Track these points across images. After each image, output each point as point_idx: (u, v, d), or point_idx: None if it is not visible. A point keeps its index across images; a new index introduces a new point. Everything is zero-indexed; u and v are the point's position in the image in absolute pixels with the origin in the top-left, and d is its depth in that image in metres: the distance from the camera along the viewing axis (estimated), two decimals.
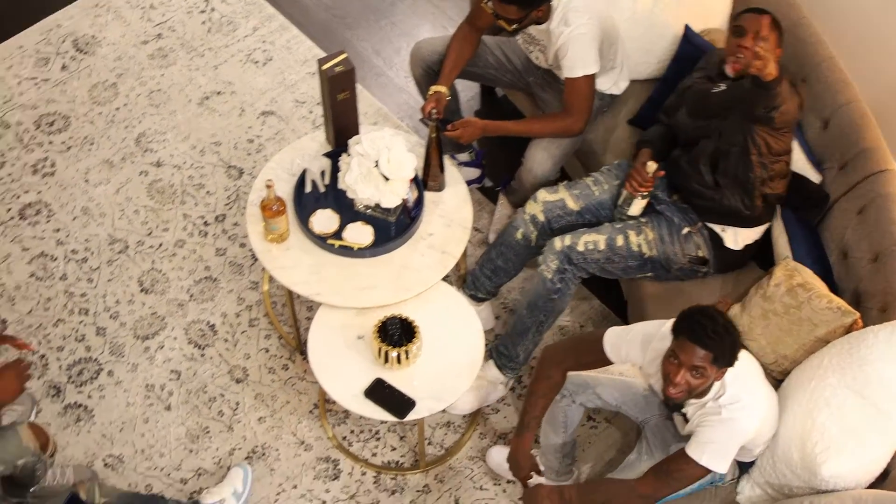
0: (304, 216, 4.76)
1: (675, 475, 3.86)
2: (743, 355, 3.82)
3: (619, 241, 4.64)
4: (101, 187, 5.61)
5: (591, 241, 4.64)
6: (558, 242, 4.66)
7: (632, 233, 4.66)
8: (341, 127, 4.94)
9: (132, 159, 5.70)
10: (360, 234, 4.74)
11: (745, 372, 3.88)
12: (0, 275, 5.35)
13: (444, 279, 4.72)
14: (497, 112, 5.31)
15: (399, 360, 4.45)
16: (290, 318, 5.09)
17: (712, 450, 3.79)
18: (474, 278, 5.03)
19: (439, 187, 4.89)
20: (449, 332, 4.60)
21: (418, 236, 4.77)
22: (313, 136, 5.08)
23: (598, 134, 5.18)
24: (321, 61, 4.75)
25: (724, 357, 3.68)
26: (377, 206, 4.75)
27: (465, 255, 5.00)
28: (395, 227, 4.78)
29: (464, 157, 5.58)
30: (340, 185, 4.79)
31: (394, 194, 4.70)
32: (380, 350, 4.43)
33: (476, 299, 5.06)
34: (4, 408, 4.19)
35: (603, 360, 4.06)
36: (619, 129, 5.19)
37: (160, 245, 5.44)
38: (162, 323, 5.22)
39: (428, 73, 5.23)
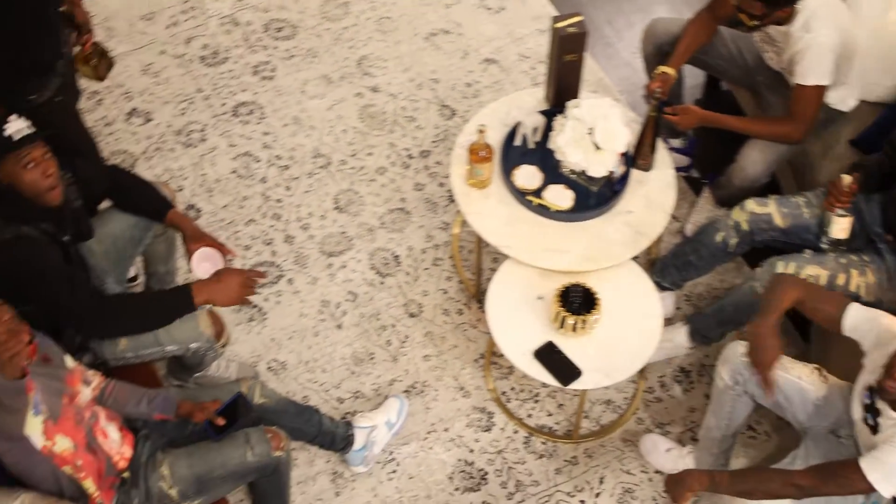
0: (508, 168, 4.76)
1: (840, 480, 3.76)
2: None
3: (841, 279, 4.50)
4: (315, 101, 5.69)
5: (814, 274, 4.50)
6: (780, 267, 4.55)
7: (855, 272, 4.50)
8: (562, 88, 4.91)
9: (350, 79, 5.77)
10: (560, 196, 4.72)
11: None
12: (204, 165, 5.47)
13: (633, 259, 4.68)
14: (718, 105, 5.22)
15: (574, 328, 4.43)
16: (474, 265, 5.10)
17: (887, 471, 3.69)
18: (663, 266, 4.98)
19: (647, 167, 4.83)
20: (629, 311, 4.56)
21: (617, 211, 4.73)
22: (531, 92, 5.07)
23: (816, 147, 5.06)
24: (555, 19, 4.73)
25: None
26: (583, 172, 4.72)
27: (659, 239, 4.94)
28: (595, 196, 4.74)
29: (676, 142, 5.52)
30: (550, 145, 4.77)
31: (602, 164, 4.66)
32: (557, 314, 4.41)
33: (660, 287, 5.00)
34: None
35: (832, 319, 3.96)
36: (838, 146, 5.06)
37: (361, 168, 5.49)
38: (349, 243, 5.28)
39: (658, 52, 5.17)
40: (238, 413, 4.02)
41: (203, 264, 4.32)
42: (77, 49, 4.62)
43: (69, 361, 4.01)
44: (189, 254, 4.34)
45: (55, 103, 4.47)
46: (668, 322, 5.05)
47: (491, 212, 4.70)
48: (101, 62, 4.70)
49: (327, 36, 5.91)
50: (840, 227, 4.55)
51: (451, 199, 5.38)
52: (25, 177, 3.93)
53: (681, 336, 4.89)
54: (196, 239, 4.37)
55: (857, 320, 3.91)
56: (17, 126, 3.96)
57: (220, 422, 3.97)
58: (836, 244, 4.58)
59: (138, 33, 5.88)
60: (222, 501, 4.18)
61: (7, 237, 3.95)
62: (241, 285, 4.16)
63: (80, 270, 4.23)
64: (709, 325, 4.82)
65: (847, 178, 4.46)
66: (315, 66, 5.80)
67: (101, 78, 4.73)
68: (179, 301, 4.13)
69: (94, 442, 3.90)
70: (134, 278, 5.06)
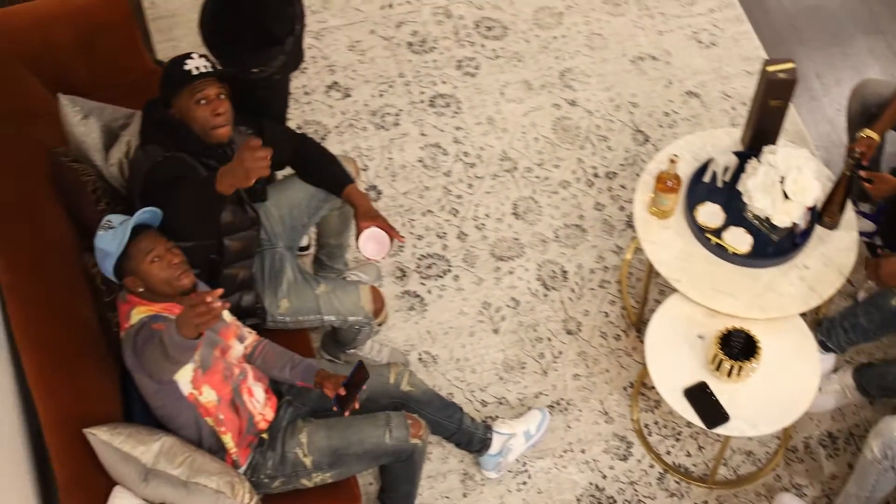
0: (692, 202, 4.72)
1: None
2: None
3: None
4: (512, 104, 5.70)
5: None
6: None
7: None
8: (761, 132, 4.84)
9: (550, 89, 5.77)
10: (739, 239, 4.66)
11: None
12: (393, 149, 5.53)
13: (801, 315, 4.60)
14: None
15: (730, 373, 4.37)
16: (640, 294, 5.06)
17: None
18: (830, 326, 4.88)
19: (833, 225, 4.74)
20: (787, 365, 4.48)
21: (793, 264, 4.65)
22: (728, 132, 5.01)
23: None
24: (767, 62, 4.66)
25: None
26: (767, 219, 4.65)
27: (830, 300, 4.84)
28: (775, 246, 4.67)
29: (865, 207, 5.39)
30: (739, 187, 4.71)
31: (787, 214, 4.59)
32: (715, 356, 4.36)
33: (824, 347, 4.91)
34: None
35: None
36: None
37: (546, 178, 5.49)
38: (521, 250, 5.29)
39: (864, 113, 5.05)
40: (358, 381, 3.98)
41: (369, 244, 4.34)
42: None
43: (227, 315, 4.10)
44: (358, 231, 4.37)
45: (273, 81, 4.55)
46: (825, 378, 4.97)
47: (667, 243, 4.67)
48: None
49: (535, 42, 5.92)
50: None
51: (629, 225, 5.35)
52: (196, 112, 4.03)
53: (849, 379, 4.81)
54: (368, 217, 4.39)
55: None
56: (197, 63, 4.06)
57: (342, 392, 3.98)
58: None
59: (352, 9, 5.96)
60: (352, 480, 4.22)
61: (159, 159, 4.04)
62: (250, 160, 3.65)
63: (245, 219, 4.26)
64: (870, 380, 4.72)
65: None
66: (518, 70, 5.82)
67: None
68: (209, 190, 3.81)
69: (240, 398, 3.98)
70: (306, 247, 5.15)
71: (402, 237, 4.47)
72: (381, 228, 4.36)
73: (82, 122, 4.44)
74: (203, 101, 4.04)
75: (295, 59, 4.67)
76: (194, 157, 4.07)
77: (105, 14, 4.91)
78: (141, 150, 4.14)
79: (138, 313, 3.79)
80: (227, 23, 4.40)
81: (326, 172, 4.53)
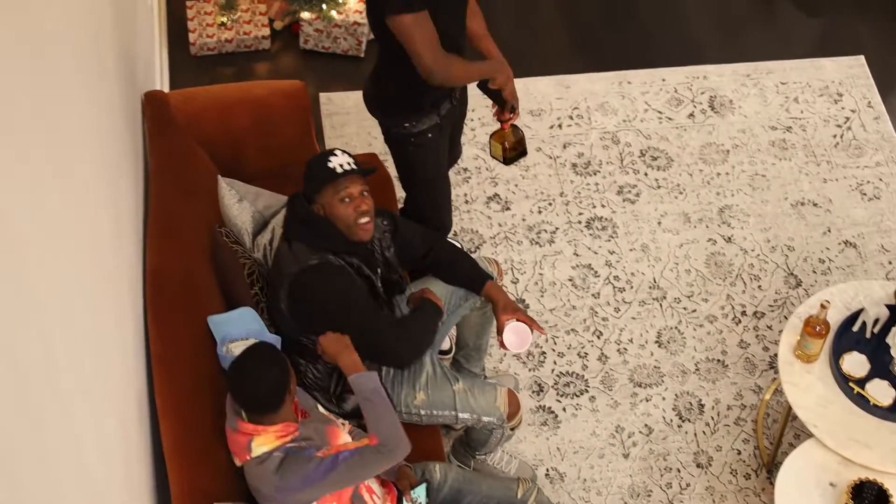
0: (838, 350, 4.70)
1: None
2: None
3: None
4: (668, 234, 5.74)
5: None
6: None
7: None
8: None
9: (708, 223, 5.79)
10: (883, 392, 4.62)
11: None
12: (544, 266, 5.59)
13: None
14: None
15: None
16: (775, 436, 5.01)
17: None
18: None
19: None
20: None
21: None
22: (883, 285, 4.97)
23: None
24: None
25: None
26: None
27: None
28: None
29: None
30: (888, 340, 4.68)
31: None
32: None
33: None
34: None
35: None
36: None
37: (693, 311, 5.50)
38: (660, 379, 5.28)
39: None
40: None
41: (511, 336, 4.39)
42: (497, 126, 4.80)
43: (329, 416, 4.17)
44: (499, 325, 4.43)
45: (425, 138, 4.66)
46: None
47: (809, 387, 4.64)
48: (512, 148, 4.78)
49: (698, 176, 5.96)
50: None
51: (771, 366, 5.31)
52: (340, 210, 4.13)
53: None
54: (508, 311, 4.44)
55: None
56: (341, 160, 4.16)
57: (407, 498, 4.01)
58: None
59: (523, 126, 6.08)
60: None
61: (313, 262, 4.15)
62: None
63: (387, 308, 4.37)
64: None
65: None
66: (678, 201, 5.86)
67: (506, 161, 4.82)
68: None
69: (360, 500, 4.00)
70: (447, 351, 5.19)
71: (543, 329, 4.51)
72: (522, 321, 4.42)
73: (237, 204, 4.61)
74: (347, 200, 4.15)
75: (453, 130, 4.80)
76: (338, 256, 4.18)
77: (283, 104, 5.09)
78: (286, 245, 4.25)
79: (262, 444, 3.83)
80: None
81: (462, 271, 4.58)
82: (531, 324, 4.43)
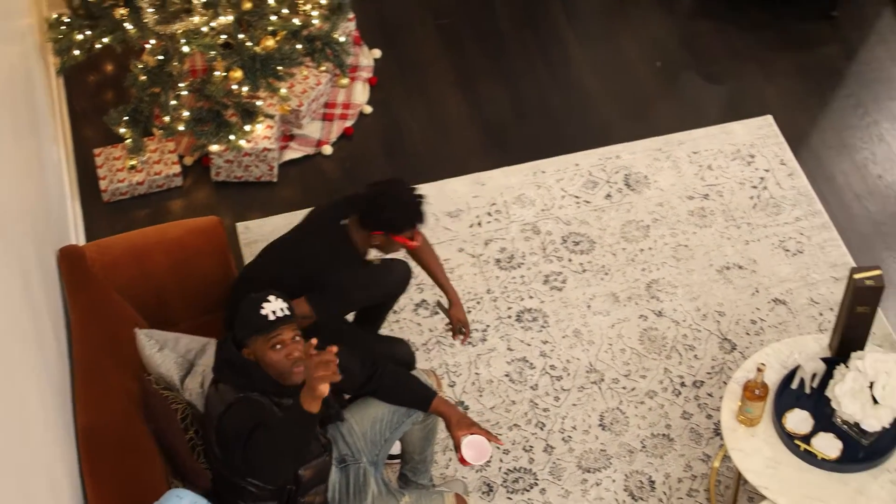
0: (780, 409, 4.72)
1: None
2: None
3: None
4: (598, 316, 5.74)
5: None
6: None
7: None
8: (848, 338, 4.83)
9: (637, 300, 5.80)
10: (829, 445, 4.63)
11: None
12: (479, 365, 5.57)
13: None
14: None
15: None
16: (730, 502, 4.98)
17: None
18: None
19: None
20: None
21: (884, 468, 4.59)
22: (816, 338, 4.99)
23: None
24: (854, 270, 4.67)
25: None
26: (856, 424, 4.60)
27: None
28: (865, 450, 4.61)
29: None
30: (827, 393, 4.68)
31: (877, 419, 4.55)
32: None
33: None
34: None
35: None
36: None
37: (633, 389, 5.48)
38: (607, 461, 5.25)
39: None
40: None
41: (469, 451, 4.39)
42: None
43: None
44: (456, 441, 4.41)
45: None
46: None
47: (755, 451, 4.65)
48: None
49: (622, 255, 5.98)
50: None
51: (717, 433, 5.30)
52: (272, 356, 4.11)
53: None
54: (463, 426, 4.44)
55: None
56: (274, 307, 4.13)
57: None
58: None
59: (442, 228, 6.08)
60: None
61: (231, 401, 4.10)
62: (314, 369, 3.77)
63: (317, 446, 4.31)
64: None
65: None
66: (605, 283, 5.87)
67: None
68: (296, 415, 3.85)
69: None
70: (397, 456, 5.14)
71: (499, 440, 4.49)
72: (478, 433, 4.40)
73: (158, 353, 4.58)
74: (279, 346, 4.13)
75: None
76: (267, 397, 4.13)
77: (200, 242, 5.08)
78: (213, 387, 4.23)
79: None
80: None
81: (406, 394, 4.58)
82: (487, 435, 4.43)
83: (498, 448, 5.28)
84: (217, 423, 4.11)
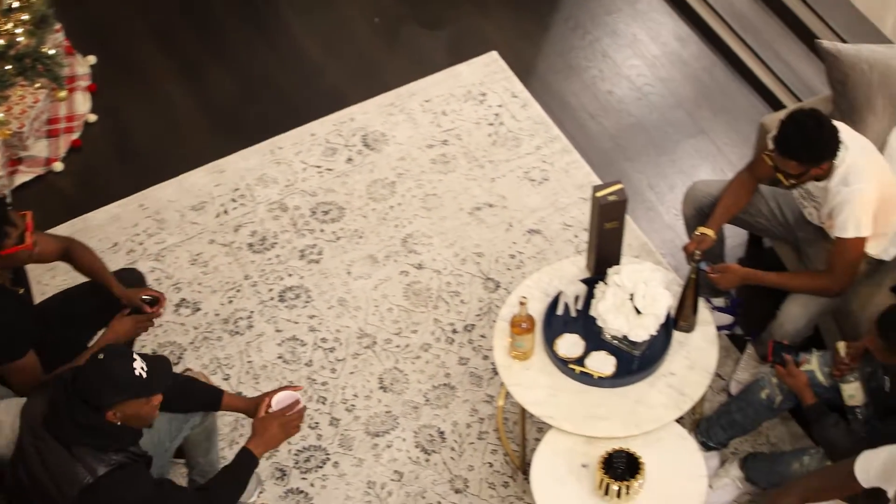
0: (550, 337, 4.74)
1: None
2: None
3: None
4: (360, 281, 5.70)
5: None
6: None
7: None
8: (603, 255, 4.89)
9: (396, 258, 5.78)
10: (602, 363, 4.68)
11: None
12: (251, 352, 5.48)
13: (678, 420, 4.59)
14: (760, 262, 5.15)
15: (619, 495, 4.34)
16: (519, 437, 5.02)
17: None
18: (708, 426, 4.89)
19: (689, 328, 4.77)
20: (674, 473, 4.48)
21: (659, 374, 4.67)
22: (574, 261, 5.05)
23: (858, 297, 4.94)
24: (596, 188, 4.73)
25: None
26: (625, 337, 4.67)
27: (702, 399, 4.84)
28: (638, 361, 4.68)
29: (719, 301, 5.43)
30: (592, 313, 4.74)
31: (643, 329, 4.62)
32: (601, 481, 4.34)
33: (706, 447, 4.92)
34: None
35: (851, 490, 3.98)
36: (880, 295, 4.93)
37: (406, 346, 5.47)
38: (394, 422, 5.23)
39: (699, 214, 5.13)
40: None
41: (283, 400, 4.35)
42: None
43: None
44: (262, 412, 4.34)
45: None
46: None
47: (533, 382, 4.68)
48: None
49: (373, 216, 5.95)
50: (848, 393, 4.51)
51: (496, 372, 5.32)
52: (145, 410, 3.93)
53: (734, 470, 4.84)
54: (260, 401, 4.36)
55: (869, 472, 3.87)
56: (140, 364, 3.91)
57: None
58: (853, 411, 4.52)
59: (189, 223, 5.95)
60: None
61: (107, 470, 3.90)
62: (281, 426, 4.22)
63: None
64: (759, 475, 4.75)
65: (842, 346, 4.45)
66: (361, 246, 5.83)
67: None
68: (246, 462, 4.19)
69: None
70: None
71: (299, 385, 4.69)
72: (272, 398, 4.35)
73: None
74: (155, 402, 3.96)
75: None
76: (123, 453, 3.95)
77: None
78: (67, 452, 3.91)
79: None
80: None
81: (194, 398, 4.45)
82: (285, 388, 4.38)
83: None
84: (86, 491, 3.88)
